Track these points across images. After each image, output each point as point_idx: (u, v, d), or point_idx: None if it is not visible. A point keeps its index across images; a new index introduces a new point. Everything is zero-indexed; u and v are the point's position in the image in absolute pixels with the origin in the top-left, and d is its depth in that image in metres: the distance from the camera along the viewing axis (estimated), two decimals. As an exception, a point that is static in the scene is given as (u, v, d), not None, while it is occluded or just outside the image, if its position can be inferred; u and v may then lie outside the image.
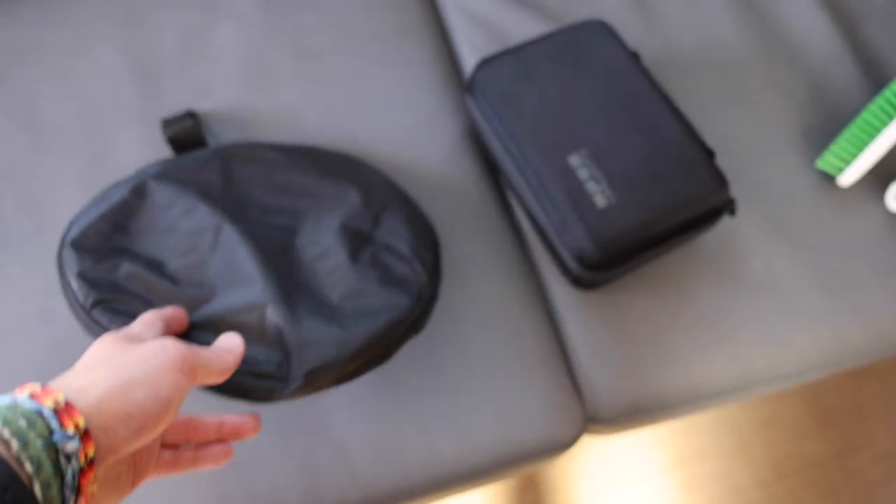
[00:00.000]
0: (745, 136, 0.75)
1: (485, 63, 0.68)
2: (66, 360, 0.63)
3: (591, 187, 0.61)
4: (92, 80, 0.75)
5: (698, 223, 0.63)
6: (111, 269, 0.54)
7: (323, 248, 0.60)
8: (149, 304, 0.53)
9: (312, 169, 0.64)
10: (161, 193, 0.59)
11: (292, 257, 0.58)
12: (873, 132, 0.71)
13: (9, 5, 0.78)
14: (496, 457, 0.62)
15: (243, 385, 0.51)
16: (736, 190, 0.73)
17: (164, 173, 0.60)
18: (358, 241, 0.61)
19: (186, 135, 0.69)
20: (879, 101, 0.71)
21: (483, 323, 0.66)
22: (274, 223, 0.60)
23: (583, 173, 0.62)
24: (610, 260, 0.61)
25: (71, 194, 0.69)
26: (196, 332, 0.52)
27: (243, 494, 0.60)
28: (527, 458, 0.63)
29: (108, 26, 0.77)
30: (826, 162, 0.72)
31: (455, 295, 0.67)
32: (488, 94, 0.66)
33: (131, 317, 0.52)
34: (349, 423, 0.62)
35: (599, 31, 0.69)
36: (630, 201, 0.61)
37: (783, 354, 0.68)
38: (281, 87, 0.75)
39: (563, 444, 0.64)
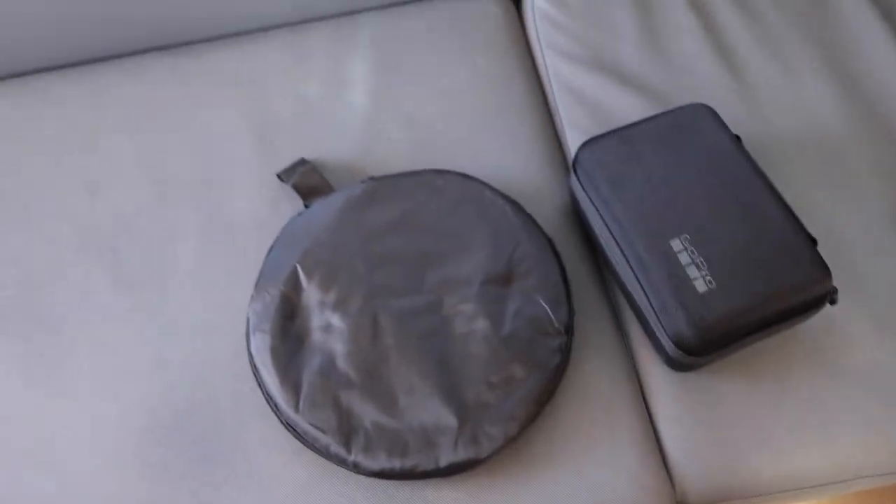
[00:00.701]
0: (847, 223, 0.74)
1: (589, 143, 0.70)
2: (178, 403, 0.67)
3: (693, 272, 0.62)
4: (213, 138, 0.80)
5: (799, 312, 0.63)
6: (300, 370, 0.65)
7: (468, 316, 0.66)
8: (338, 408, 0.63)
9: (436, 202, 0.71)
10: (313, 289, 0.67)
11: (444, 335, 0.65)
12: None
13: (146, 64, 0.84)
14: (584, 535, 0.63)
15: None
16: (838, 278, 0.71)
17: (309, 255, 0.68)
18: (499, 296, 0.67)
19: (309, 180, 0.74)
20: None
21: (576, 397, 0.67)
22: (419, 303, 0.67)
23: (684, 258, 0.63)
24: (709, 345, 0.61)
25: (188, 245, 0.74)
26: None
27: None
28: (615, 538, 0.63)
29: (230, 90, 0.83)
30: (934, 255, 0.71)
31: (548, 367, 0.68)
32: (593, 175, 0.68)
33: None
34: (440, 484, 0.63)
35: (703, 115, 0.71)
36: (731, 288, 0.61)
37: (883, 452, 0.66)
38: (390, 153, 0.78)
39: (652, 528, 0.64)
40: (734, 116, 0.80)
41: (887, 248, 0.73)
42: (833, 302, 0.65)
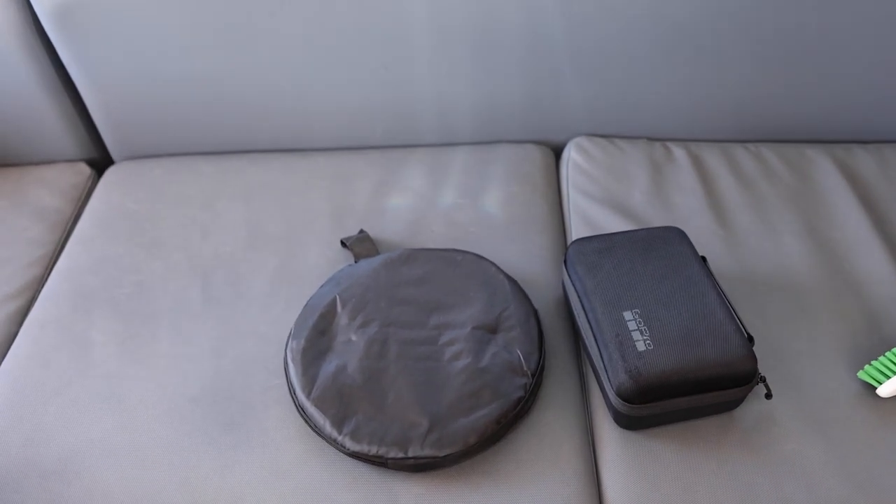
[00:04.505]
0: (797, 343, 0.87)
1: (578, 241, 0.89)
2: (222, 385, 0.85)
3: (636, 336, 0.77)
4: (302, 212, 1.05)
5: (724, 385, 0.75)
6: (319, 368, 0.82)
7: (456, 350, 0.83)
8: (341, 400, 0.79)
9: (452, 270, 0.91)
10: (344, 314, 0.87)
11: (434, 361, 0.83)
12: (915, 356, 0.81)
13: (265, 158, 1.13)
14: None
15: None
16: (781, 384, 0.83)
17: (348, 290, 0.89)
18: (484, 340, 0.84)
19: (363, 245, 0.97)
20: (922, 333, 0.82)
21: (535, 435, 0.80)
22: (421, 336, 0.85)
23: (632, 325, 0.78)
24: (642, 394, 0.74)
25: (263, 279, 0.96)
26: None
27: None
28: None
29: (323, 182, 1.09)
30: (867, 373, 0.82)
31: (517, 409, 0.82)
32: (575, 262, 0.86)
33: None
34: (407, 478, 0.77)
35: (675, 234, 0.88)
36: (665, 351, 0.75)
37: (801, 532, 0.74)
38: (430, 240, 1.00)
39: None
40: (716, 255, 0.97)
41: (828, 366, 0.85)
42: (769, 396, 0.78)
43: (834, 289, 0.93)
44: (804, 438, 0.79)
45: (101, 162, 1.22)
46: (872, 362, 0.83)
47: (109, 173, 1.16)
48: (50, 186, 1.13)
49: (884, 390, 0.80)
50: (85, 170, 1.18)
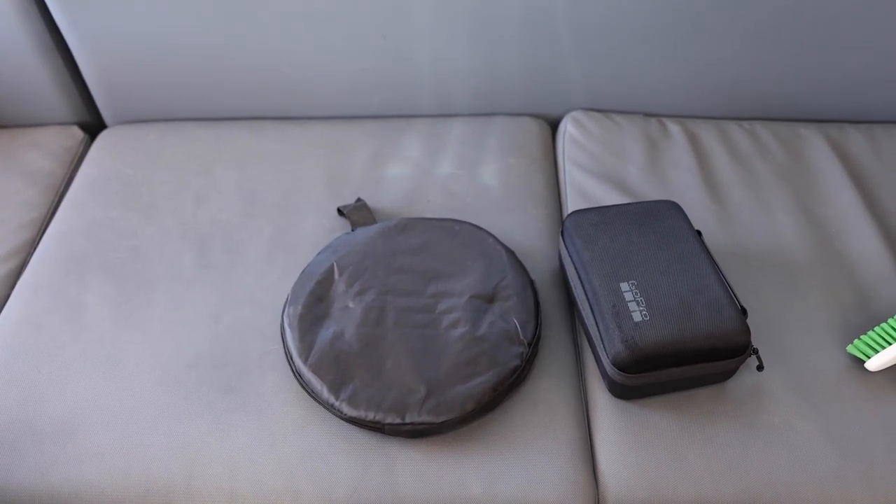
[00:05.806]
0: (788, 318, 0.88)
1: (575, 213, 0.89)
2: (218, 350, 0.85)
3: (633, 307, 0.78)
4: (298, 181, 1.04)
5: (717, 357, 0.77)
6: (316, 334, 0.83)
7: (453, 318, 0.84)
8: (338, 365, 0.80)
9: (450, 240, 0.91)
10: (342, 281, 0.87)
11: (432, 329, 0.83)
12: (903, 332, 0.82)
13: (262, 125, 1.12)
14: (512, 504, 0.74)
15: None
16: (772, 356, 0.84)
17: (345, 258, 0.89)
18: (482, 309, 0.84)
19: (360, 213, 0.97)
20: (911, 309, 0.83)
21: (530, 403, 0.81)
22: (419, 304, 0.85)
23: (628, 296, 0.79)
24: (638, 363, 0.75)
25: (259, 246, 0.96)
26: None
27: None
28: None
29: (321, 151, 1.09)
30: (856, 347, 0.83)
31: (513, 377, 0.83)
32: (572, 233, 0.87)
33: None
34: (404, 443, 0.77)
35: (670, 208, 0.89)
36: (661, 321, 0.76)
37: (790, 500, 0.75)
38: (427, 209, 1.00)
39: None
40: (710, 230, 0.98)
41: (817, 340, 0.86)
42: (760, 368, 0.79)
43: (825, 265, 0.94)
44: (794, 409, 0.80)
45: (94, 126, 1.21)
46: (861, 337, 0.84)
47: (102, 137, 1.15)
48: (42, 149, 1.12)
49: (872, 364, 0.82)
50: (78, 133, 1.17)
